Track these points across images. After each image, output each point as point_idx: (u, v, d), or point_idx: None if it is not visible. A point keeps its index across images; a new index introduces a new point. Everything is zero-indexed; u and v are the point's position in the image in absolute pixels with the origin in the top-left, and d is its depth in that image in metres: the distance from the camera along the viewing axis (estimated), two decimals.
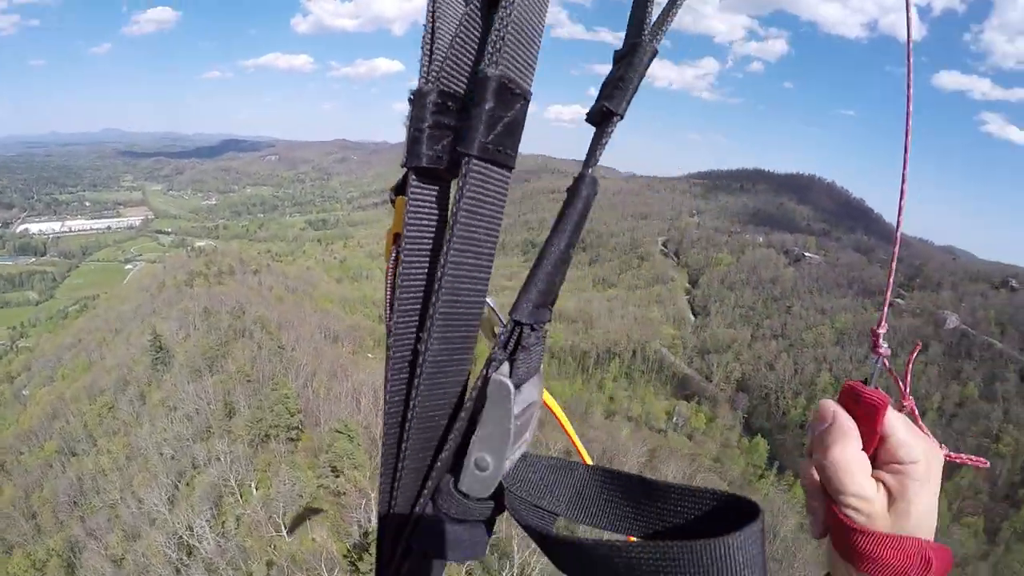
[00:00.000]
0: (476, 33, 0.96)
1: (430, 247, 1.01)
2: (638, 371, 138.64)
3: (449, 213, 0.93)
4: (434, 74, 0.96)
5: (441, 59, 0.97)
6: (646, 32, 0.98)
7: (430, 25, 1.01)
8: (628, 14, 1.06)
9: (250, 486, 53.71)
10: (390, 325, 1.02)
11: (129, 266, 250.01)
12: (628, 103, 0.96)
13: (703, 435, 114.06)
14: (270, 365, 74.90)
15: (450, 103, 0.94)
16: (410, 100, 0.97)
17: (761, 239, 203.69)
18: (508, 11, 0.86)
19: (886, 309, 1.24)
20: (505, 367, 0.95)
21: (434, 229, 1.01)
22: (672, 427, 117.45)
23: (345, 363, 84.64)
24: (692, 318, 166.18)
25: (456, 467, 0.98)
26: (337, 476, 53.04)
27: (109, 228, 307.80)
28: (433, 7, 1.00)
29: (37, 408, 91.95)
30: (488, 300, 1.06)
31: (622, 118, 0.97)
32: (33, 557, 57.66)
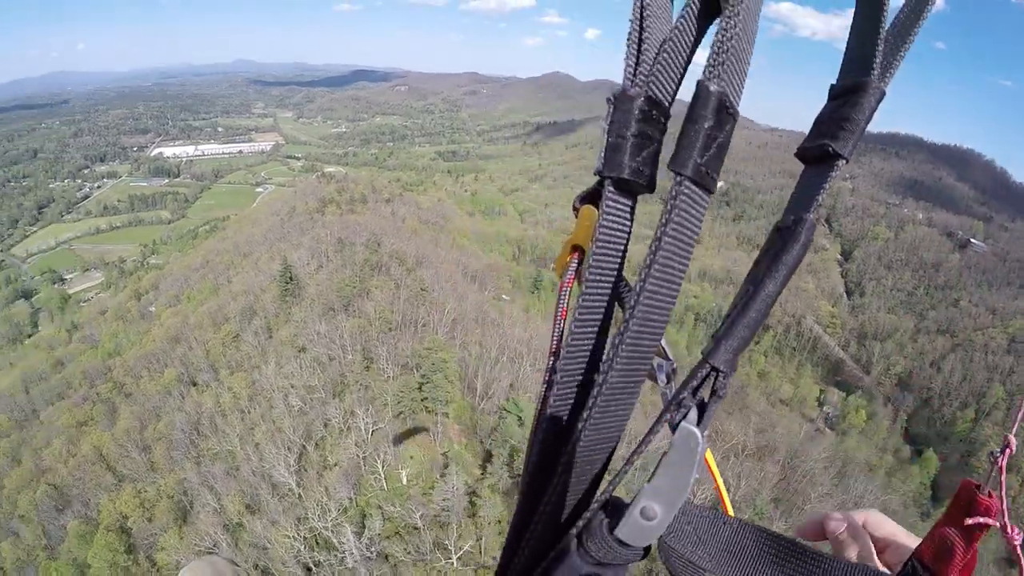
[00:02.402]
0: (690, 38, 0.90)
1: (617, 266, 0.95)
2: (790, 348, 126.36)
3: (655, 235, 0.85)
4: (642, 78, 0.88)
5: (650, 62, 0.90)
6: (874, 72, 0.92)
7: (638, 23, 0.93)
8: (845, 46, 1.00)
9: (399, 473, 45.19)
10: (558, 346, 0.95)
11: (260, 189, 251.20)
12: (855, 147, 0.91)
13: (860, 434, 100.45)
14: (411, 308, 67.28)
15: (655, 112, 0.88)
16: (610, 101, 0.89)
17: (921, 216, 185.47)
18: (734, 22, 0.80)
19: (1021, 413, 1.08)
20: (693, 414, 0.89)
21: (623, 247, 0.95)
22: (823, 417, 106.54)
23: (488, 309, 77.27)
24: (845, 296, 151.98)
25: (608, 509, 0.93)
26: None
27: (241, 152, 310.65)
28: (642, 2, 0.93)
29: (161, 330, 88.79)
30: None
31: (847, 162, 0.93)
32: (143, 496, 53.44)
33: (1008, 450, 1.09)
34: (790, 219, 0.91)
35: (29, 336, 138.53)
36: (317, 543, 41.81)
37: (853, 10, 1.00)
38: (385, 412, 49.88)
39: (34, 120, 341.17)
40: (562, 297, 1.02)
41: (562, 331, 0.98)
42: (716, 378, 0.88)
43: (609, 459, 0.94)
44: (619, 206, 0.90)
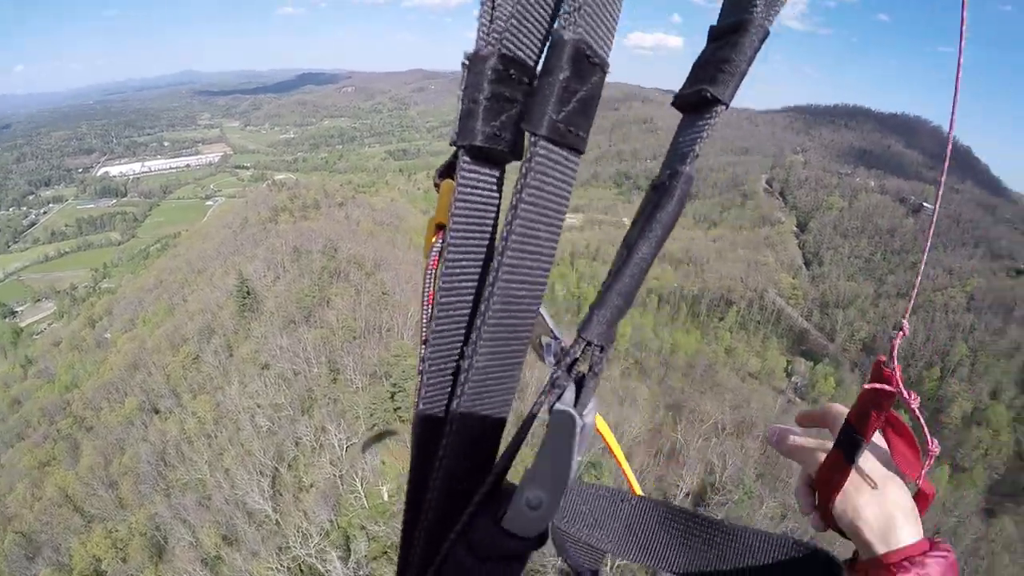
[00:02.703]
0: None
1: (482, 242, 0.87)
2: (754, 322, 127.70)
3: (510, 204, 0.76)
4: (495, 35, 0.77)
5: (505, 17, 0.78)
6: (756, 8, 0.82)
7: None
8: None
9: (380, 489, 43.74)
10: (427, 333, 0.88)
11: (210, 202, 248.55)
12: (735, 91, 0.83)
13: (831, 401, 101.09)
14: (374, 314, 65.70)
15: (513, 71, 0.78)
16: (464, 65, 0.79)
17: (873, 183, 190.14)
18: None
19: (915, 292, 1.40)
20: (570, 394, 0.80)
21: (488, 221, 0.87)
22: (792, 387, 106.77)
23: None
24: (804, 267, 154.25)
25: (493, 500, 0.85)
26: None
27: (188, 166, 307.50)
28: None
29: (118, 357, 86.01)
30: (540, 310, 0.92)
31: (727, 107, 0.84)
32: (114, 536, 51.22)
33: (901, 332, 1.35)
34: (666, 174, 0.81)
35: None
36: (302, 571, 40.43)
37: None
38: (358, 425, 48.58)
39: None
40: (427, 281, 0.94)
41: (431, 317, 0.91)
42: (593, 353, 0.78)
43: (495, 448, 0.89)
44: (477, 176, 0.83)
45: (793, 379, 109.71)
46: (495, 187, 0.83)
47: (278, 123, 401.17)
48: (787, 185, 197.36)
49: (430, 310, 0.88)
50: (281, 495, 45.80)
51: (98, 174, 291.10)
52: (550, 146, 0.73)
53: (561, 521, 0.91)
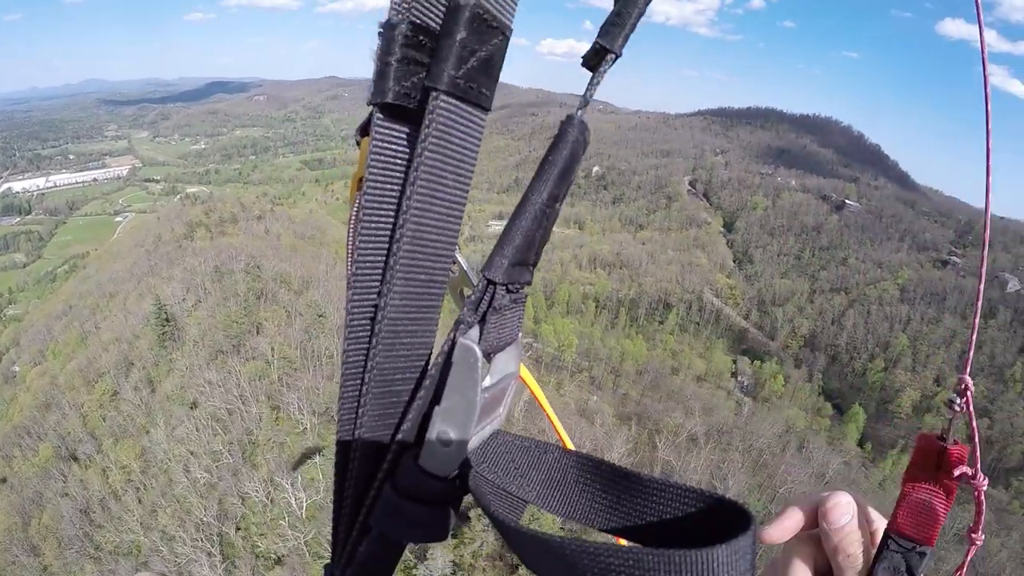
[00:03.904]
0: None
1: (396, 194, 0.90)
2: (694, 323, 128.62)
3: (415, 153, 0.83)
4: (405, 5, 0.84)
5: None
6: None
7: None
8: None
9: None
10: (350, 278, 0.92)
11: (119, 219, 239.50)
12: (625, 41, 0.89)
13: (780, 399, 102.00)
14: (311, 339, 60.77)
15: (422, 37, 0.84)
16: (379, 34, 0.86)
17: (794, 182, 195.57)
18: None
19: (971, 352, 1.15)
20: (475, 331, 0.87)
21: (402, 174, 0.90)
22: (739, 387, 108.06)
23: None
24: (736, 266, 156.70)
25: (419, 442, 0.90)
26: None
27: (95, 180, 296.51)
28: None
29: (28, 395, 78.87)
30: (459, 257, 0.97)
31: (618, 57, 0.90)
32: None
33: (968, 392, 1.08)
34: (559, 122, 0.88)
35: None
36: None
37: None
38: (314, 477, 43.69)
39: None
40: (350, 233, 0.99)
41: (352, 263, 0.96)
42: (494, 292, 0.86)
43: (415, 392, 0.92)
44: (388, 131, 0.88)
45: (739, 378, 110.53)
46: (406, 142, 0.87)
47: (188, 133, 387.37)
48: (710, 186, 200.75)
49: (350, 258, 0.93)
50: (236, 567, 40.39)
51: (0, 190, 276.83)
52: (451, 100, 0.79)
53: (481, 467, 0.93)
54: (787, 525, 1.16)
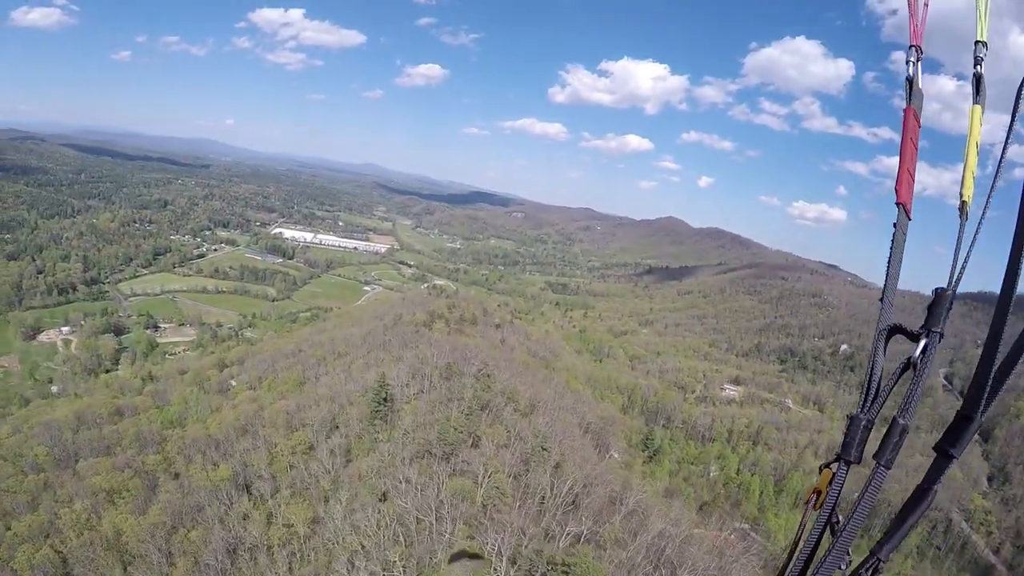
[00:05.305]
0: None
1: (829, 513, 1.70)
2: (934, 547, 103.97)
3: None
4: (866, 408, 1.71)
5: (872, 398, 1.76)
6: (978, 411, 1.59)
7: (871, 366, 1.76)
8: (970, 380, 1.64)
9: None
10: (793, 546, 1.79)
11: (368, 288, 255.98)
12: (964, 448, 1.57)
13: None
14: (528, 470, 54.48)
15: (870, 427, 1.65)
16: (848, 417, 1.75)
17: None
18: (920, 379, 1.51)
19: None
20: None
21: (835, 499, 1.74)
22: None
23: (613, 480, 62.67)
24: (986, 482, 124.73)
25: None
26: None
27: (356, 249, 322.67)
28: (874, 355, 1.74)
29: (232, 412, 79.60)
30: None
31: (957, 459, 1.63)
32: None
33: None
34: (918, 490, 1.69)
35: (107, 372, 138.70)
36: None
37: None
38: None
39: (172, 175, 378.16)
40: (805, 517, 1.82)
41: (797, 540, 1.79)
42: (877, 565, 1.46)
43: None
44: (842, 477, 1.67)
45: None
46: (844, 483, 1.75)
47: (447, 231, 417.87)
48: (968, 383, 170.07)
49: (801, 532, 1.79)
50: None
51: (272, 232, 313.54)
52: (883, 471, 1.59)
53: None
54: None
